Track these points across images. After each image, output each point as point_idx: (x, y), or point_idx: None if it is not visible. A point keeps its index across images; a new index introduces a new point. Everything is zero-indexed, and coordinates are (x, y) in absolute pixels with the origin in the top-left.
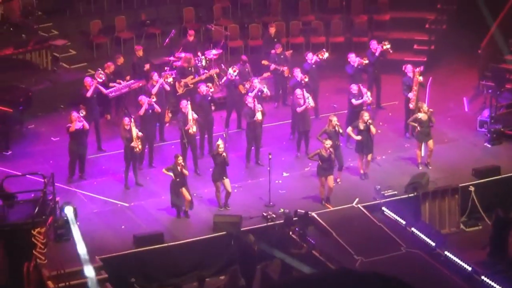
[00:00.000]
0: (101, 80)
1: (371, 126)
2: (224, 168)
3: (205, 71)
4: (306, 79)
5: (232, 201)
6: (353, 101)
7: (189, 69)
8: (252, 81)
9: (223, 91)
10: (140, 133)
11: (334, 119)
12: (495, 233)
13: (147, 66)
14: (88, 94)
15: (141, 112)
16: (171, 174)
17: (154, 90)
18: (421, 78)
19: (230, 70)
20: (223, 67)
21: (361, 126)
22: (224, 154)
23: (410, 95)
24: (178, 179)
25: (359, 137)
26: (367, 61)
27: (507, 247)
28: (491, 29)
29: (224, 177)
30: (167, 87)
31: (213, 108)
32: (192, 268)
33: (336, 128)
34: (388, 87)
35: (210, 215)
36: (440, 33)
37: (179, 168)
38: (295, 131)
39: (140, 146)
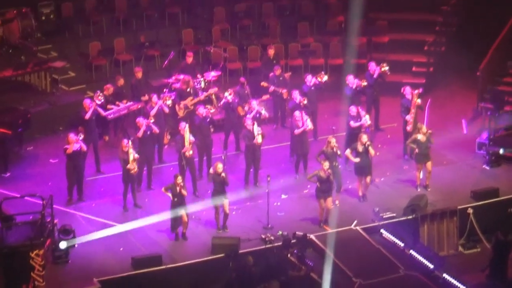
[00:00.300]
0: (99, 102)
1: (370, 148)
2: (224, 189)
3: (204, 92)
4: (305, 101)
5: (231, 223)
6: (352, 123)
7: (188, 91)
8: (251, 103)
9: (221, 113)
10: (136, 155)
11: (333, 141)
12: (495, 256)
13: (145, 98)
14: (87, 116)
15: (140, 134)
16: (169, 194)
17: (153, 112)
18: (419, 101)
19: (226, 94)
20: (215, 90)
21: (360, 148)
22: (223, 174)
23: (408, 117)
24: (176, 199)
25: (357, 159)
26: (365, 83)
27: (507, 270)
28: (490, 51)
29: (224, 198)
30: (166, 109)
31: (212, 130)
32: None
33: (335, 150)
34: (386, 109)
35: (209, 237)
36: (439, 55)
37: (178, 188)
38: (294, 153)
39: (136, 169)
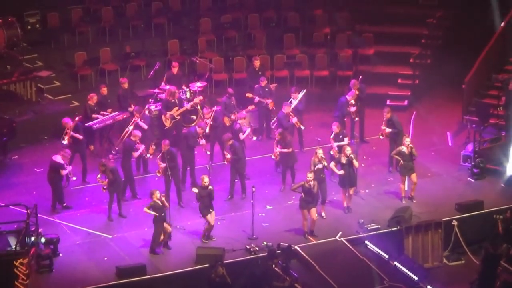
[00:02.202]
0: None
1: (354, 160)
2: (210, 201)
3: (190, 103)
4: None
5: (215, 234)
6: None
7: (173, 101)
8: (238, 118)
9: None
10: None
11: (320, 152)
12: (484, 269)
13: (131, 108)
14: (65, 142)
15: (137, 154)
16: (153, 212)
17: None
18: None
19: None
20: (201, 99)
21: (344, 160)
22: (210, 187)
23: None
24: (162, 214)
25: (341, 172)
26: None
27: (496, 283)
28: (475, 64)
29: (211, 210)
30: (144, 126)
31: (204, 142)
32: None
33: (322, 162)
34: (372, 121)
35: (193, 247)
36: (424, 67)
37: (159, 202)
38: (279, 164)
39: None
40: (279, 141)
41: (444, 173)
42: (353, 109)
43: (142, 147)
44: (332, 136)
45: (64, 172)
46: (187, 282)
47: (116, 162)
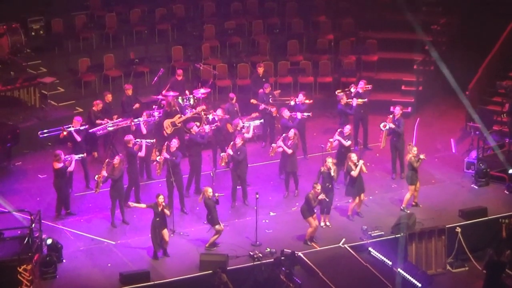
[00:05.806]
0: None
1: (362, 166)
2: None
3: (192, 110)
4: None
5: (219, 240)
6: (341, 140)
7: (174, 109)
8: (238, 123)
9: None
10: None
11: (329, 161)
12: (488, 276)
13: (136, 105)
14: (78, 138)
15: (143, 153)
16: (141, 206)
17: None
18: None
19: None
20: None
21: (355, 168)
22: (216, 194)
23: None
24: (158, 219)
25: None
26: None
27: None
28: (479, 70)
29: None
30: (144, 130)
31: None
32: None
33: (331, 172)
34: (375, 128)
35: (197, 254)
36: (428, 74)
37: (160, 208)
38: (283, 171)
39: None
40: (287, 138)
41: (447, 180)
42: (355, 101)
43: (143, 142)
44: (338, 131)
45: (71, 168)
46: None
47: None
